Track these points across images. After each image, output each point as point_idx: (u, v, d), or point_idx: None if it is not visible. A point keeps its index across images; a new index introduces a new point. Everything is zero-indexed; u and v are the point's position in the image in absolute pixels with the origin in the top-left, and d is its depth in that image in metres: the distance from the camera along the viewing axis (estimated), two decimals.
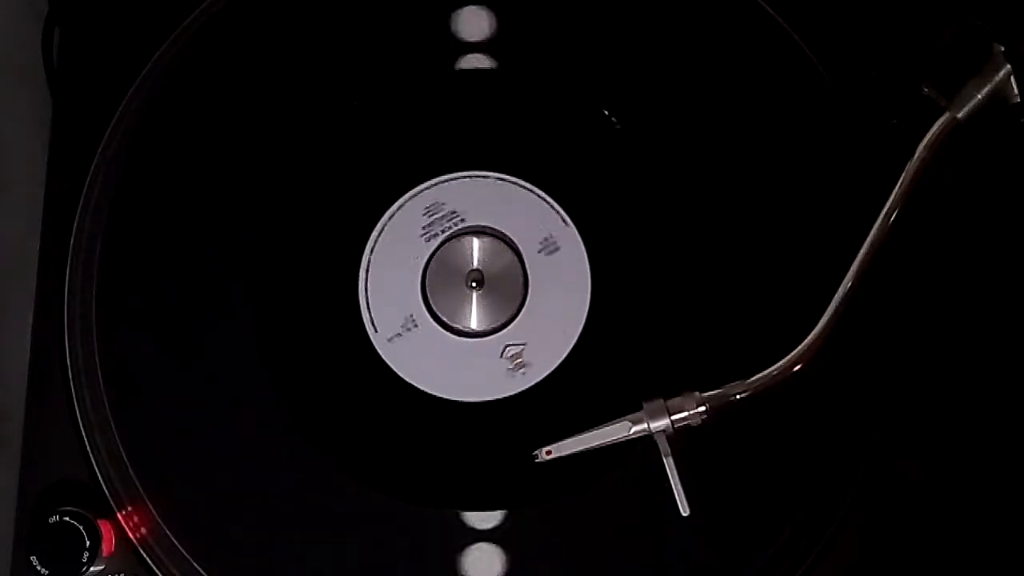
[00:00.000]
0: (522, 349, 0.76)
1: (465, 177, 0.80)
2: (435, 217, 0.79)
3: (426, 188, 0.80)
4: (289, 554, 0.75)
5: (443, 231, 0.79)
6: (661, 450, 0.70)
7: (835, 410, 0.76)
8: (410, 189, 0.80)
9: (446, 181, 0.80)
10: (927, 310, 0.77)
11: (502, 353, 0.76)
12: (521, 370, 0.76)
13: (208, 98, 0.81)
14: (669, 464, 0.70)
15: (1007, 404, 0.76)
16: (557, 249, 0.78)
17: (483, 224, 0.79)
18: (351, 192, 0.80)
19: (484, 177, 0.80)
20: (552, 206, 0.79)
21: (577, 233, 0.79)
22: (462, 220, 0.79)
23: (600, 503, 0.74)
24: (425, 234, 0.79)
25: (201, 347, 0.77)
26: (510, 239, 0.79)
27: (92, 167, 0.80)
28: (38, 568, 0.71)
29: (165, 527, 0.75)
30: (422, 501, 0.75)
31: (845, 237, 0.74)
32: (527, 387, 0.76)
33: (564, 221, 0.79)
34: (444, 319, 0.78)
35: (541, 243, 0.79)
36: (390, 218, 0.79)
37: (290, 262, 0.79)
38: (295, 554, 0.75)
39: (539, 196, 0.79)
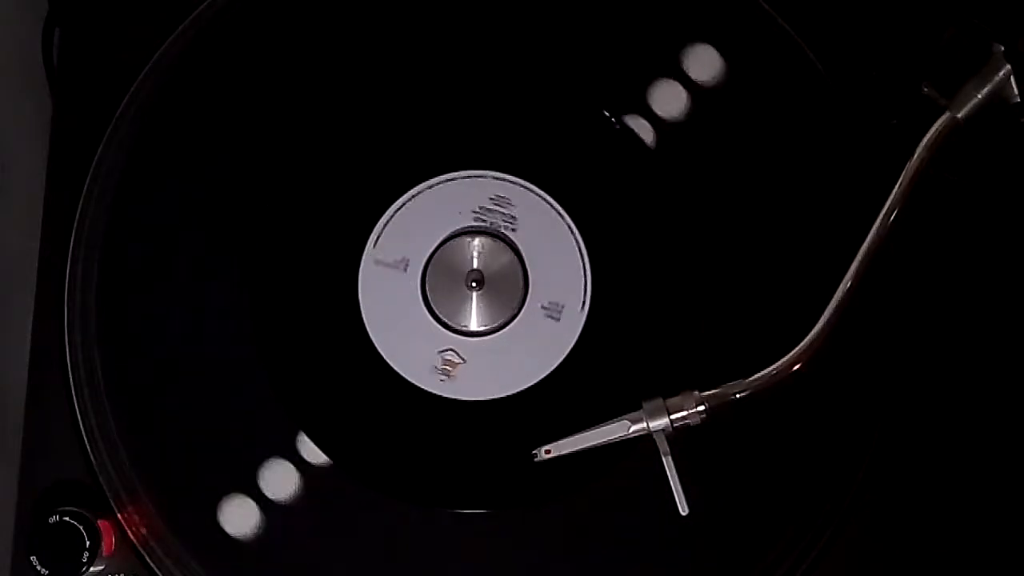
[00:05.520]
0: (458, 364, 0.75)
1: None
2: None
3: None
4: (289, 554, 0.75)
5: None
6: (660, 449, 0.70)
7: (835, 410, 0.76)
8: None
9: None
10: (927, 310, 0.77)
11: (441, 357, 0.76)
12: (443, 378, 0.76)
13: (208, 98, 0.81)
14: (668, 463, 0.70)
15: (1007, 404, 0.76)
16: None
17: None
18: (351, 193, 0.80)
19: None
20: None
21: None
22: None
23: (599, 502, 0.74)
24: None
25: (201, 347, 0.77)
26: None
27: (92, 167, 0.80)
28: (38, 568, 0.71)
29: (165, 527, 0.75)
30: (421, 500, 0.75)
31: (845, 237, 0.73)
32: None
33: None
34: (444, 319, 0.78)
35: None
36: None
37: (291, 262, 0.79)
38: (294, 554, 0.75)
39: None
